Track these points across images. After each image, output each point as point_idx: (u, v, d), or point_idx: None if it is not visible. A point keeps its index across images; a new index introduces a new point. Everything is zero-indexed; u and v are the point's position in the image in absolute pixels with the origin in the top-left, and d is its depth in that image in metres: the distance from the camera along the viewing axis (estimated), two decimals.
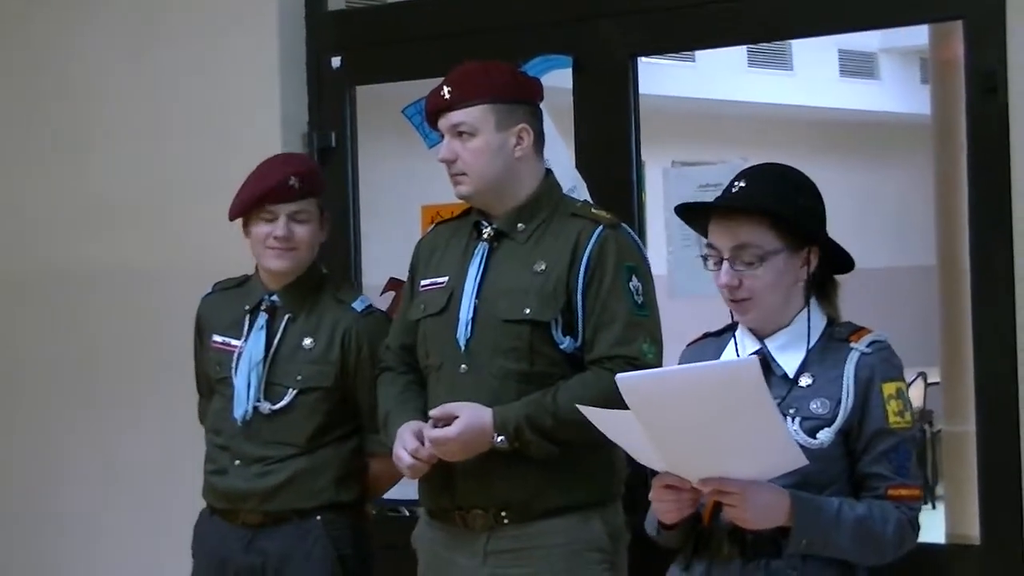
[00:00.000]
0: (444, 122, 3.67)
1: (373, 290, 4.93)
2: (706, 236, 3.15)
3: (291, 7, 5.00)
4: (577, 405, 3.06)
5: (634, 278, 3.60)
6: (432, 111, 3.71)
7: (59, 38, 5.48)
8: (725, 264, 3.05)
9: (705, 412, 2.79)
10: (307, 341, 3.97)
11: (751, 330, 3.11)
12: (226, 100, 5.07)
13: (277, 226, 3.93)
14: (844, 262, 3.14)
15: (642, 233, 4.38)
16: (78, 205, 5.45)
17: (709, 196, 4.34)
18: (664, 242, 4.43)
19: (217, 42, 5.11)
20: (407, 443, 3.57)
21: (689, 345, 3.27)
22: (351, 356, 3.96)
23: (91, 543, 5.43)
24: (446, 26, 4.76)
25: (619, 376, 2.86)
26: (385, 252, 4.95)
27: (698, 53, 9.63)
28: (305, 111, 5.00)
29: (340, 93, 4.96)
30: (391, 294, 4.80)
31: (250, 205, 3.95)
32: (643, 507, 4.29)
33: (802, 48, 11.30)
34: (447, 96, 3.65)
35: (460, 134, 3.64)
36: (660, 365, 3.58)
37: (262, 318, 4.00)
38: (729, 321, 3.17)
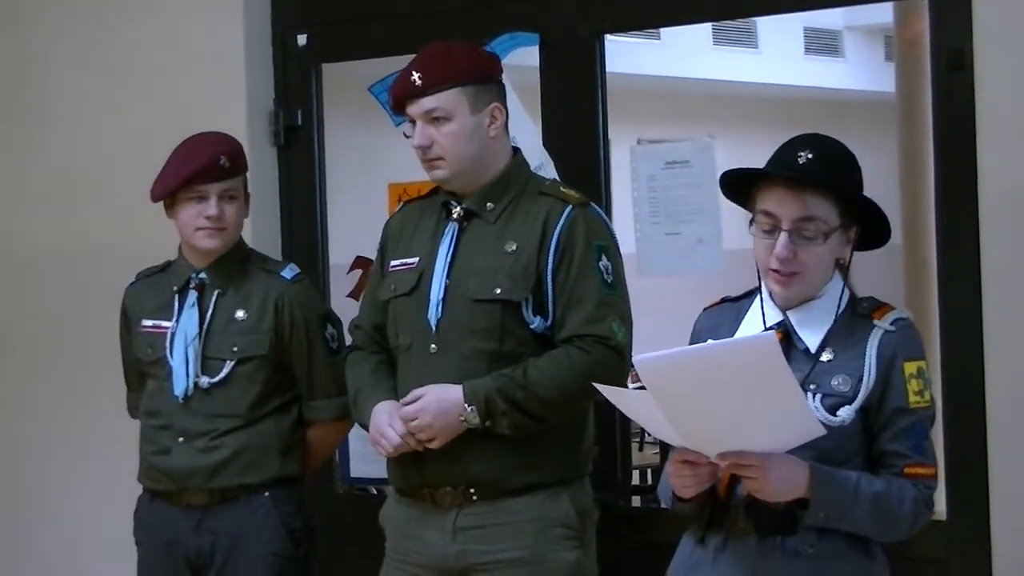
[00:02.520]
0: (415, 108, 3.64)
1: (340, 268, 4.93)
2: (741, 203, 3.11)
3: None
4: (594, 384, 3.04)
5: (604, 257, 3.60)
6: (401, 97, 3.67)
7: (12, 10, 5.43)
8: (783, 235, 2.99)
9: (724, 388, 2.78)
10: (239, 313, 3.99)
11: (774, 300, 3.08)
12: (190, 77, 5.03)
13: (209, 206, 3.94)
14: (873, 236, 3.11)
15: (609, 211, 4.38)
16: (33, 180, 5.40)
17: (676, 173, 4.37)
18: (632, 220, 4.42)
19: (181, 18, 5.06)
20: (396, 424, 3.57)
21: (706, 309, 3.24)
22: (285, 322, 3.99)
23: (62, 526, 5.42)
24: (413, 4, 4.74)
25: (636, 358, 2.84)
26: (352, 230, 4.94)
27: (663, 31, 9.62)
28: (271, 89, 4.97)
29: (306, 71, 4.94)
30: (358, 272, 4.79)
31: (179, 185, 3.95)
32: (616, 485, 4.34)
33: (767, 26, 11.32)
34: (418, 82, 3.62)
35: (435, 119, 3.62)
36: (630, 344, 3.58)
37: (192, 296, 4.02)
38: (725, 293, 3.17)
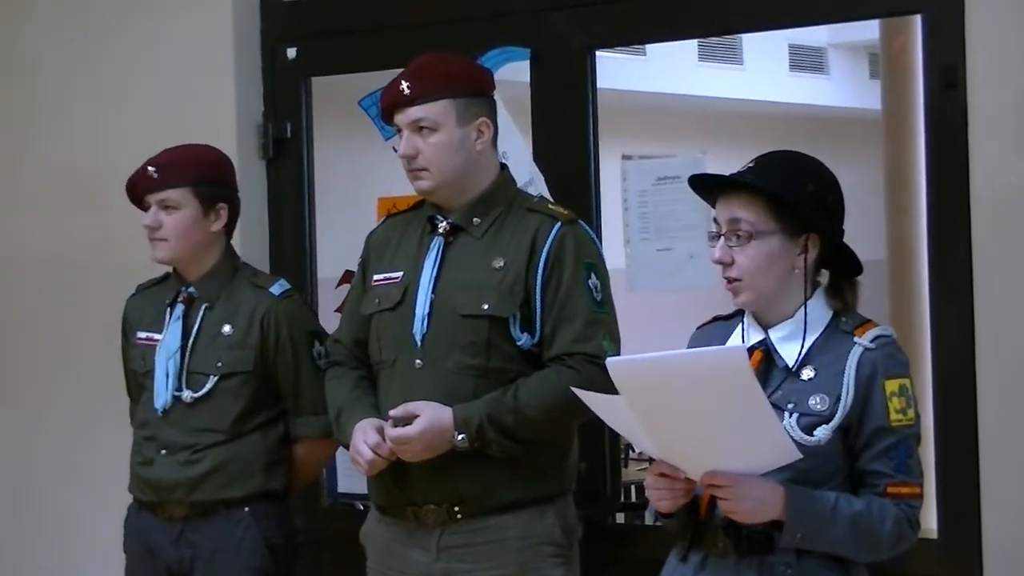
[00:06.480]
0: (403, 117, 3.63)
1: (328, 282, 4.91)
2: None
3: None
4: (573, 388, 3.04)
5: (593, 275, 3.59)
6: (389, 106, 3.67)
7: (2, 19, 5.41)
8: (720, 239, 3.03)
9: (694, 399, 2.77)
10: (226, 328, 3.99)
11: (756, 319, 3.07)
12: (180, 89, 5.02)
13: (146, 215, 4.01)
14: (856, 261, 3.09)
15: (599, 227, 4.37)
16: (19, 191, 5.39)
17: (667, 188, 4.36)
18: (621, 235, 4.42)
19: (171, 30, 5.06)
20: (369, 438, 3.54)
21: (699, 327, 3.24)
22: (271, 339, 3.98)
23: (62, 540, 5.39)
24: (402, 17, 4.73)
25: (609, 360, 2.86)
26: (340, 244, 4.91)
27: (649, 47, 9.65)
28: (260, 101, 4.96)
29: (295, 84, 4.92)
30: (346, 287, 4.76)
31: (129, 196, 4.05)
32: (605, 501, 4.33)
33: (752, 43, 11.36)
34: (406, 91, 3.61)
35: (421, 129, 3.61)
36: None
37: (179, 309, 4.03)
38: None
